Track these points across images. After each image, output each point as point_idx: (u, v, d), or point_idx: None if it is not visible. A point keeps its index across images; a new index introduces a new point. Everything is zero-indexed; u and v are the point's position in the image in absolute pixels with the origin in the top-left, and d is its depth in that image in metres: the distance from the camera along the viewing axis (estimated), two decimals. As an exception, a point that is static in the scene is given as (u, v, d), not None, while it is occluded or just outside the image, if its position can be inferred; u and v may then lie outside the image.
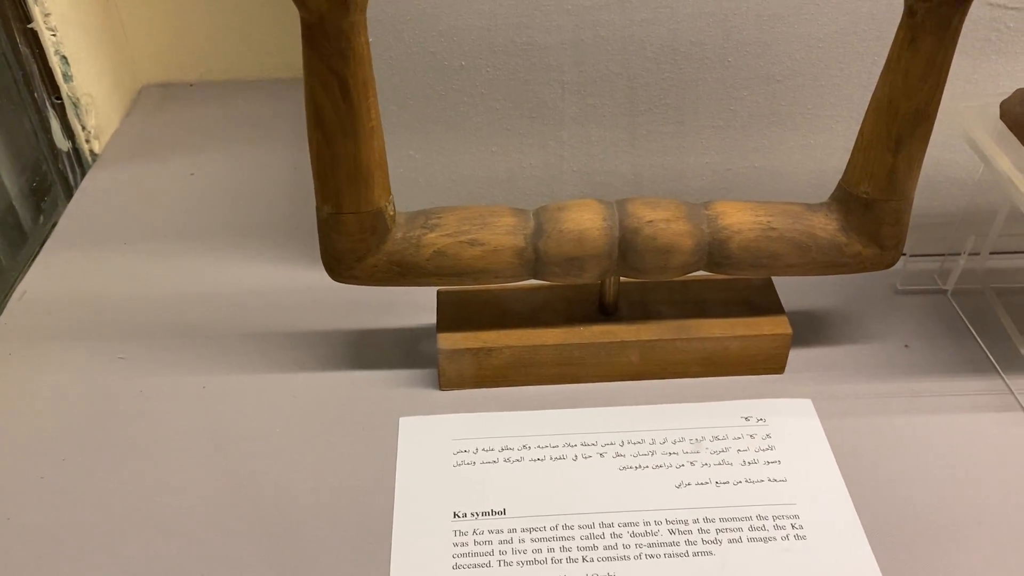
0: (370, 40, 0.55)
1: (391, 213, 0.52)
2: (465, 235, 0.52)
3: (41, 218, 0.76)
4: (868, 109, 0.50)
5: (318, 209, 0.51)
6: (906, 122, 0.49)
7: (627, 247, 0.53)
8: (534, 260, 0.53)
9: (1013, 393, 0.57)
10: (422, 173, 0.62)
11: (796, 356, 0.60)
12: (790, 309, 0.62)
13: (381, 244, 0.52)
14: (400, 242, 0.52)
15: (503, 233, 0.53)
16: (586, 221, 0.52)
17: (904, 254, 0.65)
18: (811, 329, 0.62)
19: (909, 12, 0.46)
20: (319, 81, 0.46)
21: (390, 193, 0.51)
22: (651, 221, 0.52)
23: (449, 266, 0.53)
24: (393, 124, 0.60)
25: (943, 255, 0.65)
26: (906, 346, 0.61)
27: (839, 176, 0.54)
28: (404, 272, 0.53)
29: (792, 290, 0.64)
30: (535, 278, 0.54)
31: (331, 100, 0.46)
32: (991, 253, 0.63)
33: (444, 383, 0.58)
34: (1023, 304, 0.63)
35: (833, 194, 0.54)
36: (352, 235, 0.51)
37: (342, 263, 0.52)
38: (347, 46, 0.45)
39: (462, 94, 0.59)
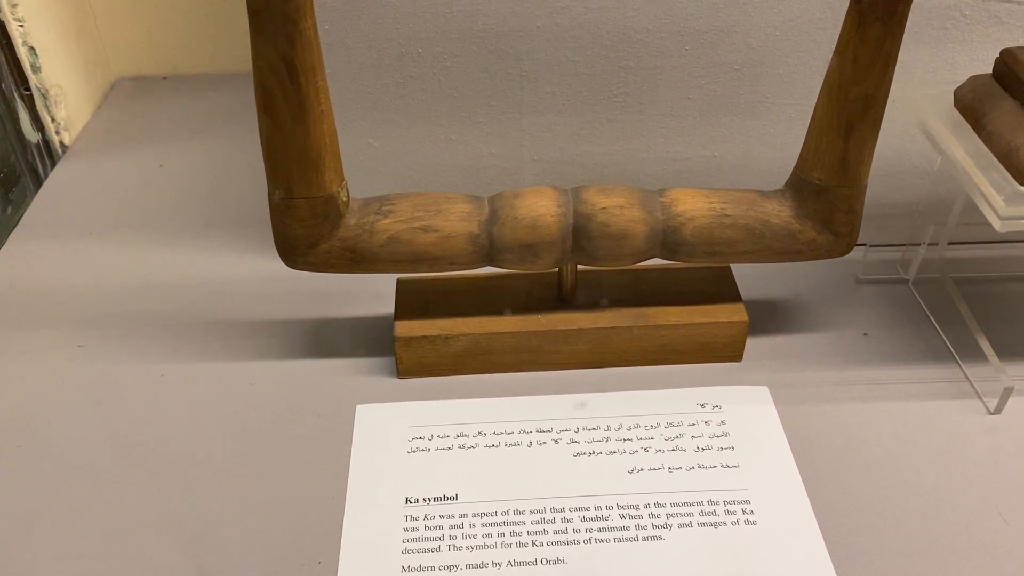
0: (326, 27, 0.56)
1: (344, 199, 0.52)
2: (419, 221, 0.52)
3: (9, 208, 0.76)
4: (819, 95, 0.51)
5: (270, 194, 0.51)
6: (856, 108, 0.49)
7: (581, 234, 0.53)
8: (488, 247, 0.53)
9: (970, 381, 0.57)
10: (382, 161, 0.62)
11: (755, 344, 0.60)
12: (752, 298, 0.63)
13: (334, 230, 0.52)
14: (354, 228, 0.52)
15: (457, 220, 0.53)
16: (540, 208, 0.53)
17: (864, 244, 0.65)
18: (771, 318, 0.63)
19: (856, -2, 0.46)
20: (267, 65, 0.46)
21: (343, 179, 0.51)
22: (605, 208, 0.53)
23: (403, 252, 0.53)
24: (352, 112, 0.60)
25: (904, 245, 0.65)
26: (865, 335, 0.61)
27: (795, 164, 0.54)
28: (358, 259, 0.53)
29: (755, 279, 0.64)
30: (491, 265, 0.54)
31: (279, 84, 0.46)
32: (950, 243, 0.63)
33: (402, 371, 0.58)
34: (983, 293, 0.63)
35: (788, 181, 0.54)
36: (304, 220, 0.51)
37: (295, 249, 0.52)
38: (294, 30, 0.45)
39: (420, 81, 0.59)
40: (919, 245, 0.63)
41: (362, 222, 0.52)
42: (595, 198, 0.53)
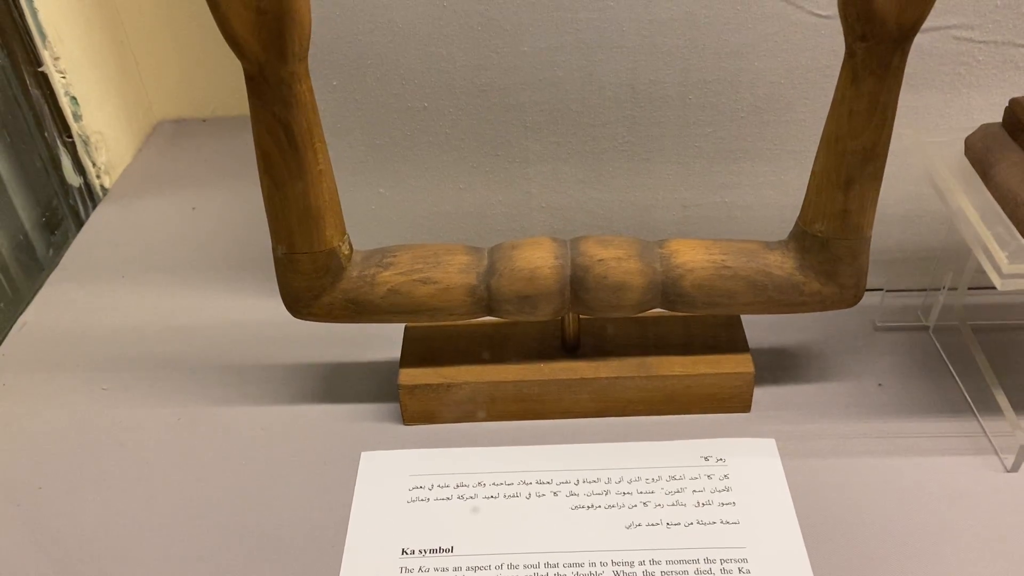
0: (335, 83, 0.57)
1: (346, 252, 0.53)
2: (418, 273, 0.53)
3: (51, 251, 0.80)
4: (818, 148, 0.50)
5: (273, 249, 0.52)
6: (854, 161, 0.48)
7: (579, 285, 0.53)
8: (487, 298, 0.54)
9: (987, 436, 0.55)
10: (393, 209, 0.64)
11: (765, 394, 0.59)
12: (765, 346, 0.62)
13: (336, 282, 0.53)
14: (355, 280, 0.53)
15: (456, 271, 0.53)
16: (537, 259, 0.53)
17: (881, 289, 0.64)
18: (784, 367, 0.62)
19: (849, 52, 0.46)
20: (265, 128, 0.47)
21: (344, 233, 0.53)
22: (602, 259, 0.53)
23: (403, 304, 0.54)
24: (362, 163, 0.61)
25: (924, 290, 0.64)
26: (880, 385, 0.60)
27: (805, 211, 0.53)
28: (360, 310, 0.54)
29: (767, 325, 0.63)
30: (491, 315, 0.55)
31: (277, 146, 0.48)
32: (971, 288, 0.61)
33: (407, 418, 0.59)
34: (1004, 342, 0.61)
35: (791, 232, 0.54)
36: (307, 274, 0.52)
37: (299, 301, 0.54)
38: (289, 94, 0.46)
39: (427, 134, 0.60)
40: (939, 290, 0.62)
41: (363, 274, 0.53)
42: (593, 250, 0.53)
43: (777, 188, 0.62)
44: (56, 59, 0.78)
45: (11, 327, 0.70)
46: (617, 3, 0.54)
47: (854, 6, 0.44)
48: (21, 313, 0.72)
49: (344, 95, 0.58)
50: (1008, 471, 0.53)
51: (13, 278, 0.74)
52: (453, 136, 0.60)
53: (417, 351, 0.59)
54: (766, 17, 0.54)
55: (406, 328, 0.61)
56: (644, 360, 0.58)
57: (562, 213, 0.63)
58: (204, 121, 0.97)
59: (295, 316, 0.55)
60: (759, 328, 0.60)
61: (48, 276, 0.76)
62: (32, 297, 0.73)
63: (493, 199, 0.63)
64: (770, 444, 0.56)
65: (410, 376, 0.58)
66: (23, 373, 0.65)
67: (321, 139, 0.49)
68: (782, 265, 0.53)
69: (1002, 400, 0.55)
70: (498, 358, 0.59)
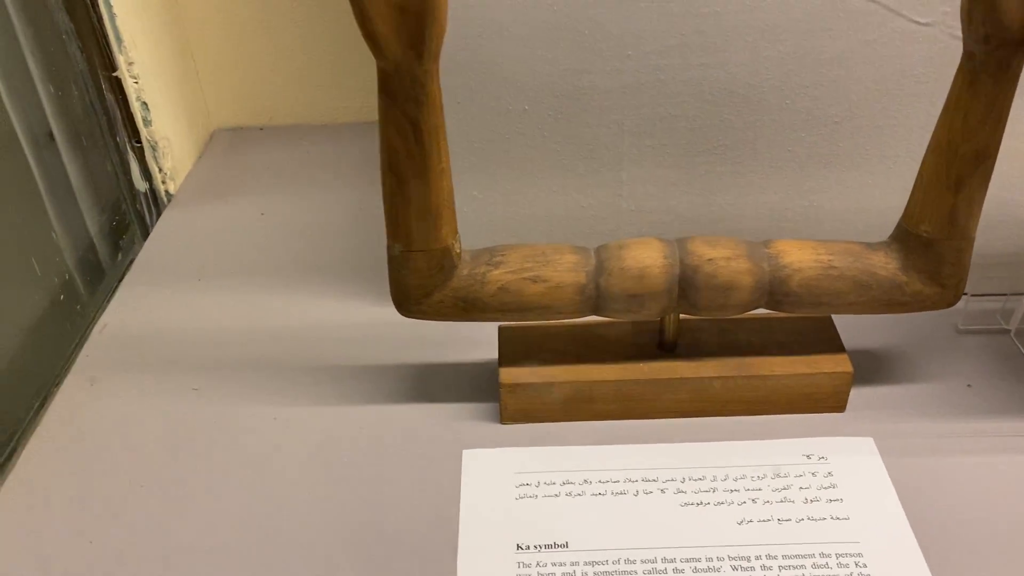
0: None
1: (458, 251, 0.54)
2: (528, 272, 0.54)
3: (119, 255, 0.80)
4: (928, 149, 0.51)
5: (389, 247, 0.53)
6: (966, 163, 0.50)
7: (687, 284, 0.54)
8: (595, 297, 0.54)
9: (1079, 435, 0.57)
10: (484, 212, 0.64)
11: (857, 395, 0.60)
12: (850, 347, 0.63)
13: (448, 280, 0.54)
14: (466, 278, 0.54)
15: (565, 270, 0.54)
16: (647, 259, 0.54)
17: (966, 293, 0.65)
18: (872, 368, 0.62)
19: (968, 56, 0.47)
20: (394, 127, 0.48)
21: (457, 232, 0.53)
22: (711, 259, 0.54)
23: (512, 302, 0.54)
24: (458, 166, 0.62)
25: (1006, 295, 0.65)
26: (968, 386, 0.61)
27: (897, 216, 0.54)
28: (468, 307, 0.55)
29: (853, 329, 0.64)
30: (596, 315, 0.56)
31: (405, 145, 0.48)
32: (1053, 293, 0.63)
33: (505, 417, 0.59)
34: (1089, 344, 0.62)
35: (893, 233, 0.55)
36: (421, 272, 0.53)
37: (410, 298, 0.54)
38: (421, 92, 0.47)
39: (524, 136, 0.61)
40: (1021, 295, 0.63)
41: (474, 272, 0.54)
42: (701, 249, 0.54)
43: (864, 193, 0.63)
44: (130, 64, 0.79)
45: (91, 328, 0.70)
46: (725, 8, 0.55)
47: (980, 6, 0.45)
48: (100, 315, 0.72)
49: (445, 98, 0.59)
50: (1103, 468, 0.54)
51: (87, 281, 0.74)
52: (550, 139, 0.61)
53: (515, 351, 0.60)
54: (868, 24, 0.56)
55: (500, 328, 0.61)
56: (743, 360, 0.58)
57: (651, 216, 0.64)
58: (261, 129, 0.98)
59: (403, 314, 0.56)
60: (843, 330, 0.61)
61: (122, 279, 0.76)
62: (109, 300, 0.73)
63: (584, 202, 0.64)
64: (869, 442, 0.57)
65: (511, 375, 0.58)
66: (113, 373, 0.65)
67: (445, 138, 0.50)
68: (886, 265, 0.54)
69: (1095, 399, 0.56)
70: (597, 358, 0.59)
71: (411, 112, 0.47)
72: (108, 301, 0.73)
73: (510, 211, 0.65)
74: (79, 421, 0.61)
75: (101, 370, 0.65)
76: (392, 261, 0.53)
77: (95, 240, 0.77)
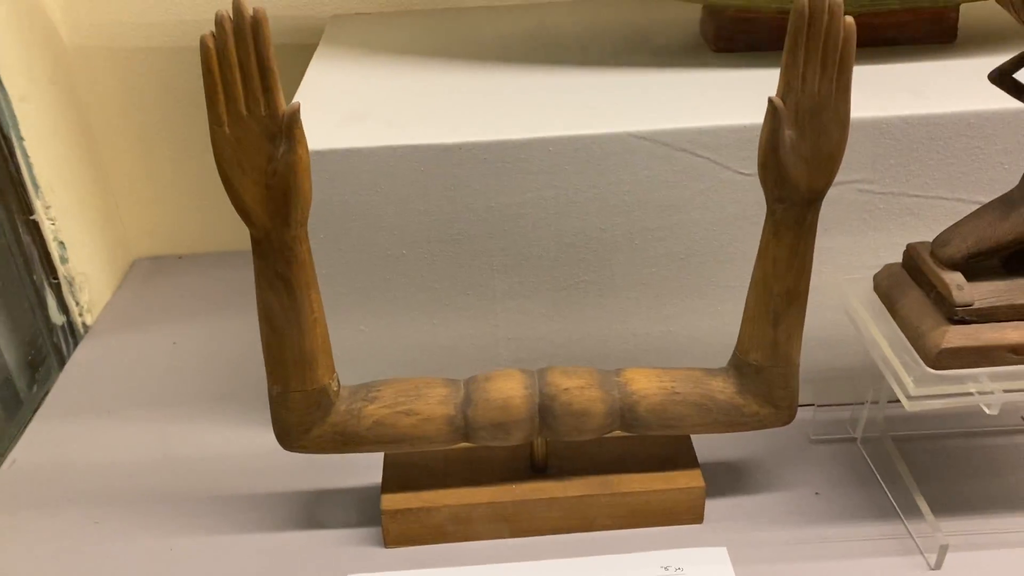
0: (321, 236, 0.64)
1: (335, 388, 0.59)
2: (401, 406, 0.59)
3: (35, 387, 0.83)
4: (749, 287, 0.58)
5: (269, 388, 0.58)
6: (780, 301, 0.56)
7: (547, 412, 0.59)
8: (464, 426, 0.59)
9: (912, 537, 0.62)
10: (372, 343, 0.70)
11: (715, 506, 0.65)
12: (711, 460, 0.68)
13: (326, 417, 0.58)
14: (343, 414, 0.59)
15: (435, 403, 0.59)
16: (509, 390, 0.59)
17: (812, 404, 0.71)
18: (730, 479, 0.68)
19: (770, 211, 0.54)
20: (267, 283, 0.54)
21: (334, 371, 0.58)
22: (567, 388, 0.59)
23: (387, 434, 0.59)
24: (345, 303, 0.68)
25: (851, 404, 0.71)
26: (817, 493, 0.66)
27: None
28: (347, 441, 0.59)
29: (715, 442, 0.70)
30: (466, 442, 0.60)
31: (278, 299, 0.54)
32: (890, 401, 0.69)
33: (389, 541, 0.63)
34: (922, 450, 0.68)
35: (730, 360, 0.61)
36: (299, 410, 0.58)
37: (291, 435, 0.59)
38: (290, 255, 0.53)
39: (405, 277, 0.67)
40: (863, 404, 0.69)
41: (351, 408, 0.59)
42: (559, 379, 0.60)
43: (715, 319, 0.69)
44: (47, 207, 0.84)
45: (1, 464, 0.73)
46: (571, 168, 0.62)
47: (772, 174, 0.52)
48: (10, 451, 0.74)
49: (331, 245, 0.65)
50: (932, 569, 0.60)
51: (4, 413, 0.77)
52: (428, 279, 0.67)
53: (397, 477, 0.64)
54: (699, 176, 0.63)
55: (386, 456, 0.66)
56: (606, 479, 0.63)
57: (526, 344, 0.70)
58: (180, 258, 1.03)
59: (286, 448, 0.60)
60: (705, 442, 0.67)
61: (34, 413, 0.79)
62: (19, 434, 0.76)
63: (464, 333, 0.70)
64: (722, 552, 0.62)
65: (392, 501, 0.62)
66: (16, 511, 0.68)
67: (316, 291, 0.55)
68: (724, 390, 0.60)
69: (922, 504, 0.62)
70: (473, 481, 0.64)
71: (282, 270, 0.53)
72: (21, 434, 0.76)
73: (396, 343, 0.70)
74: (-21, 560, 0.64)
75: (5, 507, 0.68)
76: (272, 401, 0.58)
77: (12, 373, 0.81)
